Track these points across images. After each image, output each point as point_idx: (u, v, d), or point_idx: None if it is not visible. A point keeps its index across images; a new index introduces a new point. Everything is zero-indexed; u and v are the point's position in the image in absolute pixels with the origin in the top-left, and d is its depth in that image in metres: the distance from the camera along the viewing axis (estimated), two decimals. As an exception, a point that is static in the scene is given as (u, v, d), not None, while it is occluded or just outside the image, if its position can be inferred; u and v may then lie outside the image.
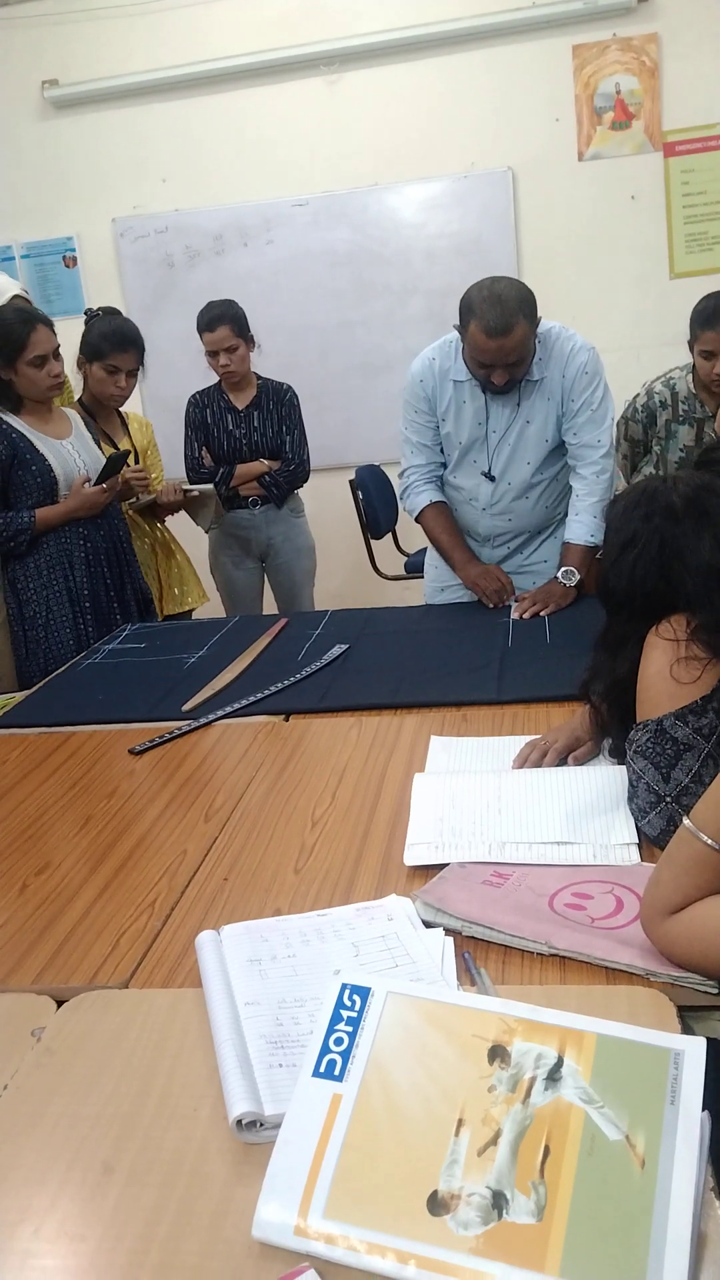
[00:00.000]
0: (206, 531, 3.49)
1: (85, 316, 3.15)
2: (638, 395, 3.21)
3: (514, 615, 2.30)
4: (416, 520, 2.59)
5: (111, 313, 3.20)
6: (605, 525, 1.38)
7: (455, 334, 2.39)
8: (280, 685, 2.02)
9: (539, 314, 2.30)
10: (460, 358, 2.40)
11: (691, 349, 3.01)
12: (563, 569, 2.38)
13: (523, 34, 4.26)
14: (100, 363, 3.02)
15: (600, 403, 2.40)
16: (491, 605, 2.40)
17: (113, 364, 3.02)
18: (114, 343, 3.02)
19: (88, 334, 3.06)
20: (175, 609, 3.25)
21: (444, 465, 2.57)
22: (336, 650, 2.19)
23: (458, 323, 2.32)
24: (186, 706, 1.97)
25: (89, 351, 3.04)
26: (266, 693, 1.99)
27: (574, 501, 2.45)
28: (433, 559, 2.66)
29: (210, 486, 3.26)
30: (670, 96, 4.26)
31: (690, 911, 1.01)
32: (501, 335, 2.21)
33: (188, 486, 3.22)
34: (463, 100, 4.36)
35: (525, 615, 2.30)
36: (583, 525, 2.42)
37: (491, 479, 2.49)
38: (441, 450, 2.54)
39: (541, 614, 2.30)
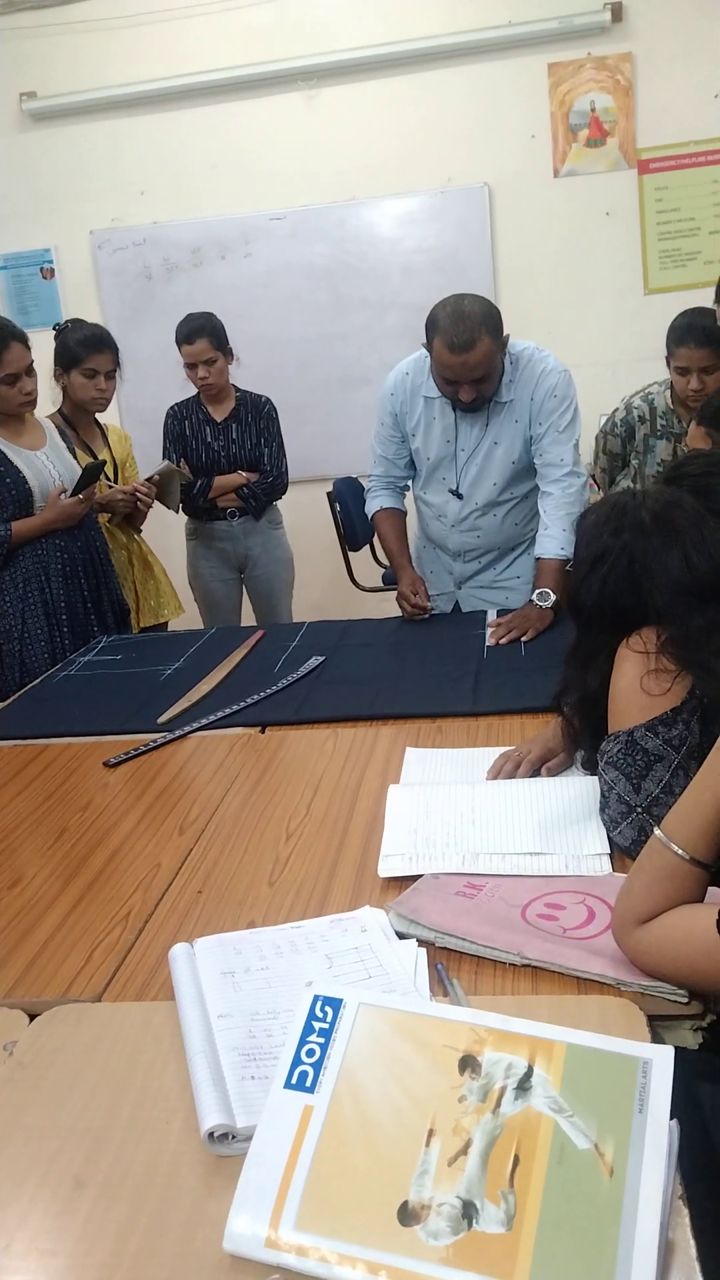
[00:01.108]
0: (176, 511, 3.42)
1: (54, 330, 3.14)
2: (616, 410, 3.25)
3: (489, 642, 2.25)
4: (371, 522, 2.70)
5: (78, 323, 3.20)
6: (575, 539, 1.39)
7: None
8: (256, 697, 2.02)
9: (507, 331, 2.31)
10: (430, 372, 2.41)
11: (668, 365, 3.05)
12: (537, 591, 2.34)
13: (499, 52, 4.30)
14: (78, 368, 3.02)
15: (567, 425, 2.41)
16: (404, 615, 2.50)
17: (91, 367, 3.02)
18: (89, 345, 3.02)
19: (61, 345, 3.06)
20: (151, 621, 3.24)
21: (406, 478, 2.63)
22: (313, 662, 2.19)
23: (425, 340, 2.33)
24: (162, 719, 1.97)
25: (65, 360, 3.04)
26: (242, 704, 2.00)
27: (543, 516, 2.46)
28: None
29: (167, 464, 3.22)
30: (644, 114, 4.31)
31: (660, 921, 1.02)
32: (465, 351, 2.22)
33: (147, 475, 3.18)
34: (440, 116, 4.40)
35: (502, 641, 2.25)
36: (552, 539, 2.41)
37: (459, 496, 2.50)
38: (410, 464, 2.58)
39: (519, 639, 2.25)
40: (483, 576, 2.61)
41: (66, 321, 3.20)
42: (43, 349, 3.26)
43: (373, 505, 2.65)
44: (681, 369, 2.99)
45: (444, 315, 2.25)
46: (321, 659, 2.22)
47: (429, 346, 2.32)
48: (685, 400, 3.04)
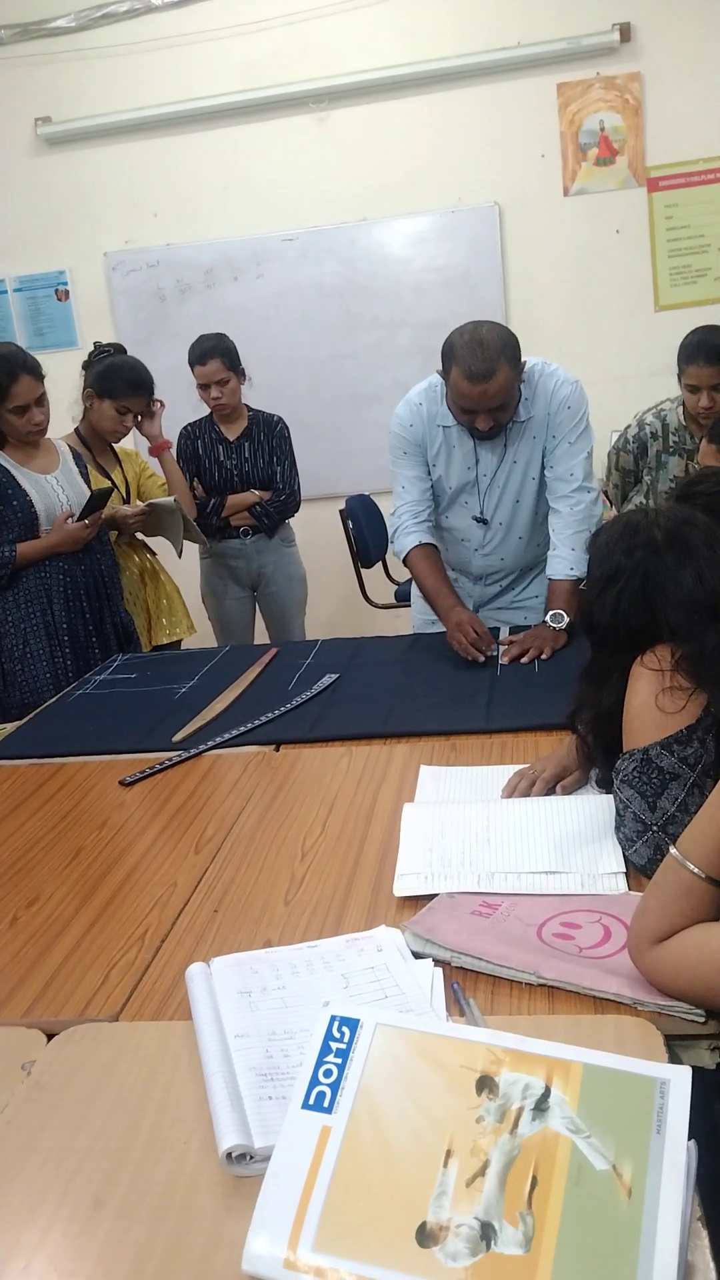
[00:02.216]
0: (179, 554, 3.36)
1: (94, 350, 3.17)
2: (629, 426, 3.26)
3: (502, 660, 2.23)
4: (404, 562, 2.52)
5: (120, 350, 3.23)
6: (588, 558, 1.39)
7: (439, 377, 2.35)
8: (270, 715, 2.03)
9: (523, 354, 2.27)
10: (445, 402, 2.37)
11: (679, 382, 3.06)
12: (550, 613, 2.31)
13: (509, 73, 4.34)
14: (114, 401, 3.04)
15: (579, 437, 2.38)
16: (466, 658, 2.24)
17: (125, 405, 3.05)
18: (132, 385, 3.05)
19: (104, 373, 3.06)
20: (163, 639, 3.25)
21: (432, 510, 2.51)
22: (327, 680, 2.20)
23: (440, 368, 2.29)
24: (177, 737, 1.98)
25: (103, 389, 3.04)
26: (257, 723, 2.00)
27: (552, 536, 2.42)
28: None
29: (170, 500, 3.16)
30: (653, 133, 4.34)
31: (677, 939, 1.02)
32: (484, 380, 2.17)
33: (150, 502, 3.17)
34: (450, 137, 4.43)
35: (513, 660, 2.23)
36: (562, 560, 2.37)
37: (484, 522, 2.48)
38: (433, 487, 2.49)
39: (529, 660, 2.23)
40: (503, 598, 2.60)
41: (110, 346, 3.22)
42: (62, 368, 3.30)
43: (405, 543, 2.48)
44: (692, 387, 3.00)
45: (461, 344, 2.20)
46: (335, 676, 2.22)
47: (445, 375, 2.27)
48: (697, 417, 3.05)
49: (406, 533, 2.48)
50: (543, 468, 2.42)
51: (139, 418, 3.13)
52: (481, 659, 2.24)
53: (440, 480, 2.46)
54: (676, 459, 3.15)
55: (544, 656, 2.24)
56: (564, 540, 2.39)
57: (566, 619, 2.29)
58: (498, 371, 2.18)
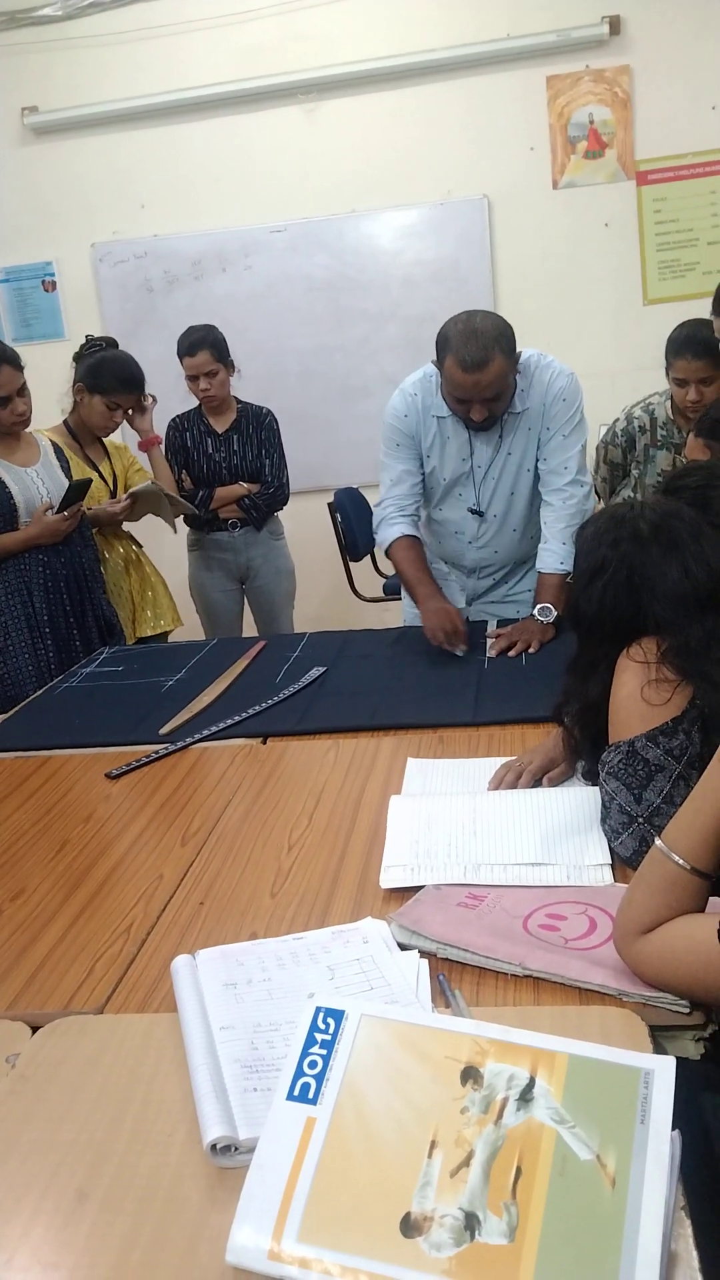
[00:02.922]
0: (174, 530, 3.40)
1: (85, 343, 3.15)
2: (617, 420, 3.26)
3: (490, 653, 2.24)
4: (386, 553, 2.52)
5: (112, 344, 3.21)
6: (575, 551, 1.39)
7: (433, 367, 2.33)
8: (258, 708, 2.03)
9: (518, 345, 2.27)
10: (440, 393, 2.35)
11: (667, 376, 3.06)
12: (539, 606, 2.31)
13: (498, 65, 4.33)
14: (104, 397, 3.02)
15: (574, 429, 2.38)
16: (435, 644, 2.25)
17: (116, 401, 3.04)
18: (123, 382, 3.04)
19: (94, 367, 3.04)
20: (148, 631, 3.24)
21: (419, 502, 2.51)
22: (315, 672, 2.20)
23: (435, 358, 2.28)
24: (164, 730, 1.98)
25: (94, 384, 3.02)
26: (244, 715, 2.00)
27: (544, 529, 2.42)
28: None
29: (148, 484, 3.16)
30: (642, 127, 4.33)
31: (662, 931, 1.02)
32: (478, 370, 2.16)
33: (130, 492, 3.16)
34: (439, 129, 4.42)
35: (500, 653, 2.23)
36: (552, 554, 2.37)
37: (479, 514, 2.47)
38: (423, 482, 2.49)
39: (516, 654, 2.23)
40: (495, 592, 2.60)
41: (102, 339, 3.19)
42: (49, 360, 3.27)
43: (389, 533, 2.47)
44: (680, 380, 3.00)
45: (456, 333, 2.18)
46: (323, 670, 2.22)
47: (439, 364, 2.26)
48: (684, 411, 3.05)
49: (390, 523, 2.48)
50: (537, 460, 2.42)
51: (129, 413, 3.11)
52: (457, 651, 2.23)
53: (434, 472, 2.45)
54: (664, 453, 3.15)
55: (531, 650, 2.24)
56: (555, 534, 2.38)
57: (555, 613, 2.29)
58: (492, 361, 2.16)
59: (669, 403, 3.13)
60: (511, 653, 2.24)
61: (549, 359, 2.39)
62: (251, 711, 2.01)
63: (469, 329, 2.17)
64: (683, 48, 4.23)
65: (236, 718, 1.99)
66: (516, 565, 2.58)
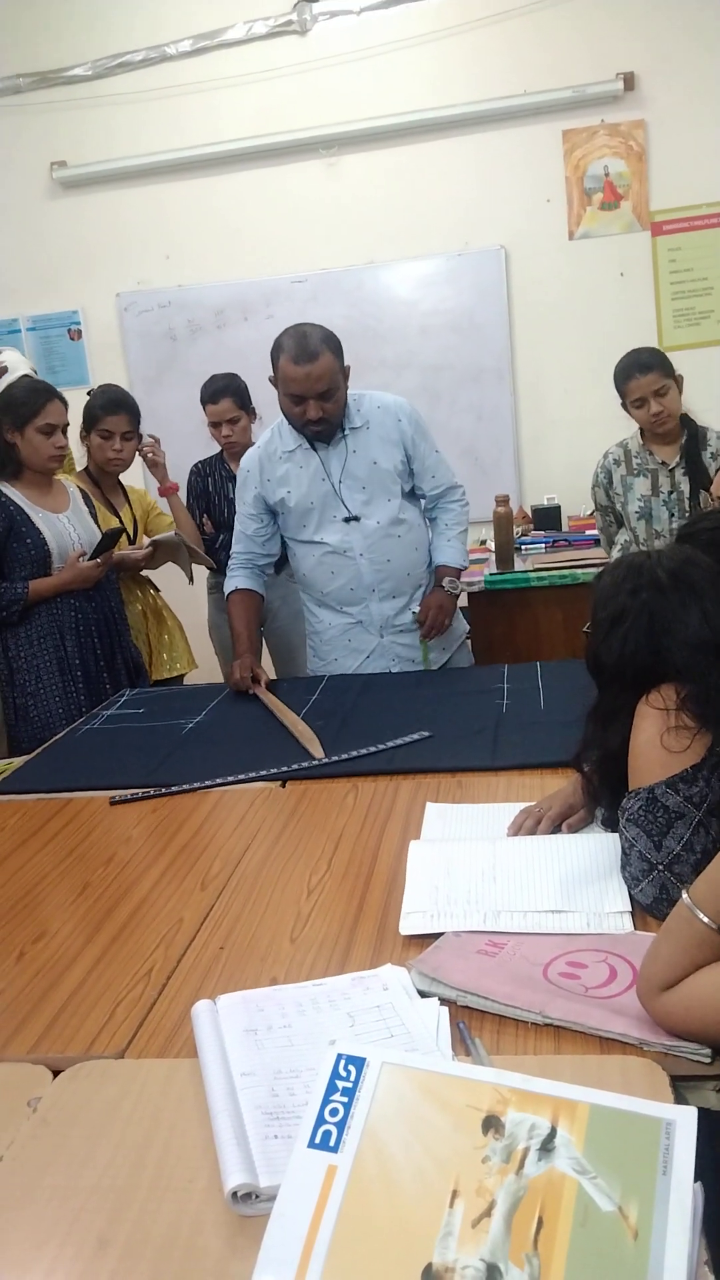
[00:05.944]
0: (190, 580, 3.46)
1: (87, 395, 3.23)
2: (596, 466, 3.39)
3: (423, 635, 2.58)
4: (225, 601, 2.76)
5: (105, 387, 3.29)
6: (592, 599, 1.40)
7: (281, 419, 2.53)
8: (357, 753, 1.99)
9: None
10: (284, 433, 2.54)
11: (626, 410, 3.18)
12: (445, 579, 2.62)
13: (515, 120, 4.43)
14: (96, 429, 3.13)
15: (420, 432, 2.60)
16: (232, 687, 2.50)
17: (106, 428, 3.13)
18: (106, 408, 3.14)
19: (84, 409, 3.17)
20: (164, 674, 3.28)
21: (268, 557, 2.72)
22: (417, 735, 2.06)
23: (271, 374, 2.44)
24: (317, 755, 2.00)
25: (87, 422, 3.16)
26: (343, 757, 1.98)
27: (440, 531, 2.68)
28: (313, 627, 2.76)
29: (171, 534, 3.24)
30: (657, 178, 4.41)
31: (686, 984, 1.01)
32: (309, 362, 2.35)
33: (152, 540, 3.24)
34: (457, 182, 4.51)
35: (428, 636, 2.58)
36: (454, 550, 2.67)
37: (356, 519, 2.56)
38: (272, 542, 2.69)
39: (442, 624, 2.59)
40: (403, 618, 2.65)
41: (98, 387, 3.30)
42: (74, 407, 3.35)
43: (230, 584, 2.71)
44: (638, 401, 3.15)
45: (287, 337, 2.41)
46: (428, 735, 2.06)
47: (275, 368, 2.42)
48: (651, 428, 3.17)
49: (233, 574, 2.72)
50: (406, 465, 2.59)
51: (128, 440, 3.17)
52: (244, 690, 2.45)
53: (300, 502, 2.57)
54: (641, 479, 3.29)
55: (447, 624, 2.59)
56: (455, 536, 2.69)
57: (460, 585, 2.66)
58: (321, 355, 2.37)
59: (639, 434, 3.25)
60: (434, 634, 2.58)
61: (373, 391, 2.62)
62: (348, 756, 1.98)
63: (299, 333, 2.40)
64: (696, 102, 4.32)
65: (333, 758, 1.98)
66: (412, 588, 2.66)
